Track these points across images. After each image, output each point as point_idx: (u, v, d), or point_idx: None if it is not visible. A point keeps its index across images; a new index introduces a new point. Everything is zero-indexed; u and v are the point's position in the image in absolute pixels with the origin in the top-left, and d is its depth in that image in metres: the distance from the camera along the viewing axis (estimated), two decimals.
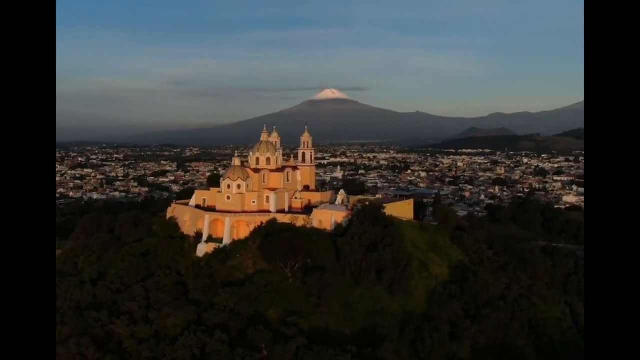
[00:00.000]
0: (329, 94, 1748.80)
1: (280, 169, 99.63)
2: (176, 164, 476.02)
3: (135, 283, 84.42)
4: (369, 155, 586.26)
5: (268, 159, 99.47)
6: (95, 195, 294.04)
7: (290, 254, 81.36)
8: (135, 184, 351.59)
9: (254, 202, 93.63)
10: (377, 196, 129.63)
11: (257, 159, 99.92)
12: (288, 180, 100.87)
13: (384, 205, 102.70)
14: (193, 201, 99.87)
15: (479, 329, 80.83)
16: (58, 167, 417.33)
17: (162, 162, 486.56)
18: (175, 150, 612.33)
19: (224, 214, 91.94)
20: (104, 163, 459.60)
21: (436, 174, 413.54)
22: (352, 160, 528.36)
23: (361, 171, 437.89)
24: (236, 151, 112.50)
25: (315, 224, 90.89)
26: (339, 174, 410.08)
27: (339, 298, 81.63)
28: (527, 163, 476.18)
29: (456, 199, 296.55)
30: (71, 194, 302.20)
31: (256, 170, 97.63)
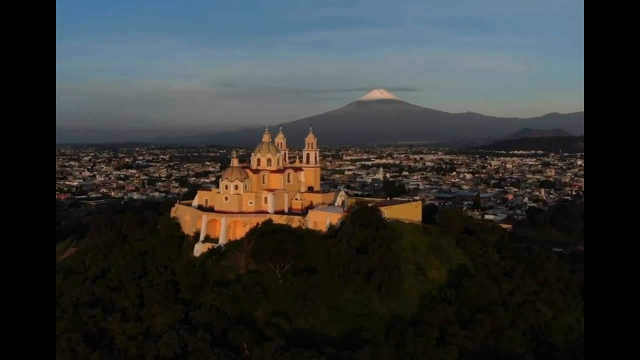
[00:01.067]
0: (377, 94, 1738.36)
1: (280, 170, 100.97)
2: (220, 164, 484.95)
3: (131, 281, 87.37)
4: (415, 156, 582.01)
5: (269, 160, 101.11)
6: (135, 195, 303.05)
7: (279, 255, 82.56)
8: (177, 185, 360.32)
9: (251, 202, 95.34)
10: (387, 198, 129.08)
11: (258, 160, 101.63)
12: (289, 181, 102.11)
13: (385, 207, 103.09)
14: (196, 201, 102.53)
15: (469, 334, 79.88)
16: (104, 168, 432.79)
17: (207, 162, 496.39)
18: (221, 151, 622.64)
19: (220, 214, 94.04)
20: (149, 164, 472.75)
21: (482, 175, 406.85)
22: (398, 162, 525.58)
23: (405, 172, 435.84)
24: (234, 151, 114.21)
25: (310, 225, 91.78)
26: (380, 175, 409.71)
27: (327, 300, 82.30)
28: (580, 165, 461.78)
29: (498, 201, 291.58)
30: (113, 193, 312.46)
31: (255, 171, 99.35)
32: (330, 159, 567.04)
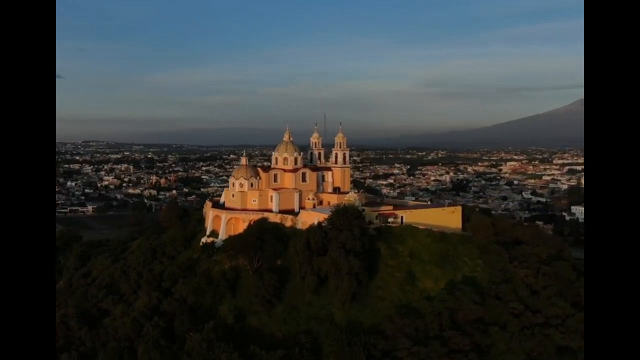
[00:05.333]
0: None
1: (294, 170, 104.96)
2: (408, 167, 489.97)
3: (134, 268, 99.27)
4: None
5: (285, 159, 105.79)
6: None
7: (246, 252, 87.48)
8: (351, 186, 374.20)
9: (254, 200, 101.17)
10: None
11: (276, 159, 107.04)
12: (304, 181, 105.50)
13: (405, 210, 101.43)
14: (222, 198, 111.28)
15: (422, 351, 76.40)
16: None
17: (396, 164, 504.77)
18: (419, 153, 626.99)
19: (222, 210, 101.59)
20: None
21: None
22: None
23: None
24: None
25: (300, 225, 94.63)
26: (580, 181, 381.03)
27: (288, 300, 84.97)
28: None
29: None
30: None
31: (265, 170, 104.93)
32: (536, 162, 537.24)
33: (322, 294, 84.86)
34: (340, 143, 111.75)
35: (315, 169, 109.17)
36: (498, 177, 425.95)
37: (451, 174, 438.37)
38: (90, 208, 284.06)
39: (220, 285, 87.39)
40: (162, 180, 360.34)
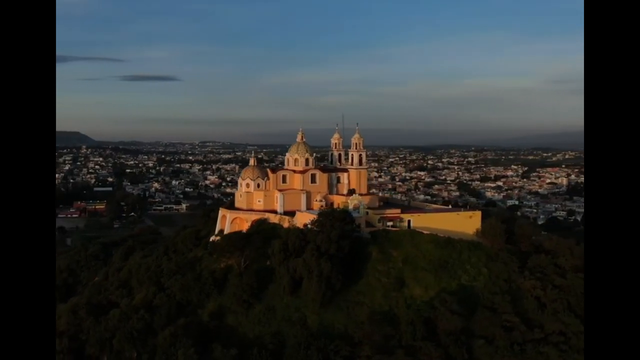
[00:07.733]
0: None
1: (303, 171, 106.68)
2: (526, 168, 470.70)
3: (150, 264, 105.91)
4: None
5: (296, 160, 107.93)
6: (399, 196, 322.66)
7: (235, 252, 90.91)
8: (454, 188, 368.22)
9: (259, 201, 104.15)
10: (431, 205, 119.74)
11: (288, 160, 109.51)
12: (314, 182, 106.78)
13: (412, 214, 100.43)
14: None
15: (382, 359, 75.66)
16: (396, 169, 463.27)
17: (513, 166, 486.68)
18: (544, 154, 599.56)
19: (228, 210, 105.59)
20: (448, 166, 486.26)
21: None
22: None
23: None
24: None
25: (297, 226, 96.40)
26: None
27: (268, 301, 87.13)
28: None
29: None
30: (380, 193, 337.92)
31: (274, 171, 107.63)
32: None
33: (301, 296, 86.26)
34: (356, 144, 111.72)
35: (327, 170, 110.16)
36: None
37: (572, 176, 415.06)
38: (184, 206, 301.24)
39: (207, 283, 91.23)
40: None
